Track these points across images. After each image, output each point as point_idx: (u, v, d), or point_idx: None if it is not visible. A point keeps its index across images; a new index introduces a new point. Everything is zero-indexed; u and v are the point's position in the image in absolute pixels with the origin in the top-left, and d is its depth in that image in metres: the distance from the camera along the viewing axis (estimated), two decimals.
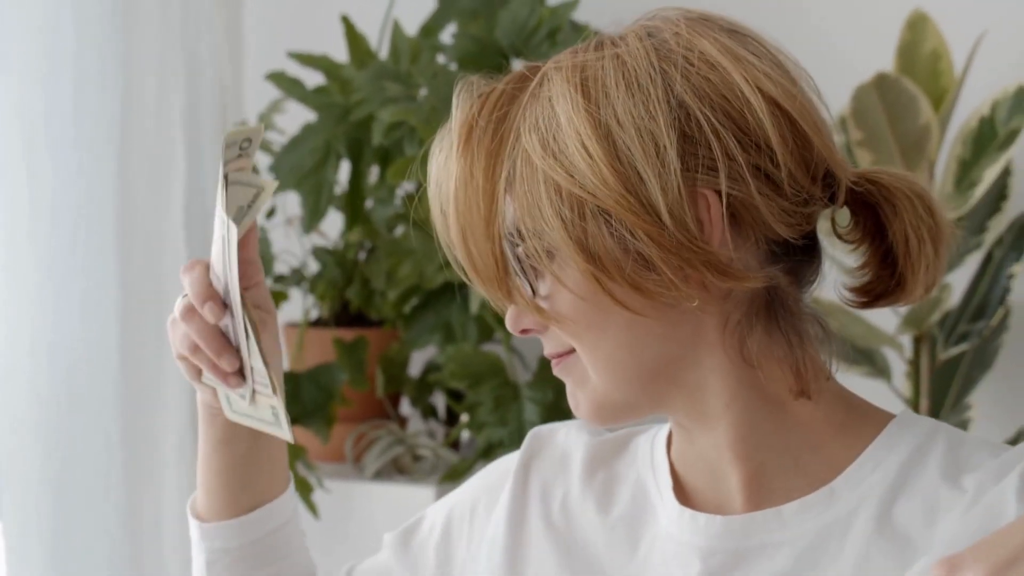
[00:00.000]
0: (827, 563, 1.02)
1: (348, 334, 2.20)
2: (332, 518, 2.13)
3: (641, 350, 1.02)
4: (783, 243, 1.02)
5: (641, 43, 1.01)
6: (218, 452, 1.16)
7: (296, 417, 2.11)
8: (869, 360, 2.05)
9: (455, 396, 2.22)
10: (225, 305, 1.07)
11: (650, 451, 1.12)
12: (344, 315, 2.27)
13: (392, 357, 2.21)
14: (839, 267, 1.08)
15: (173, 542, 2.14)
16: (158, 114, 2.11)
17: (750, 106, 0.99)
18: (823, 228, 1.05)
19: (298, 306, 2.35)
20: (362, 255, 2.25)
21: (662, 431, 1.13)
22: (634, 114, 0.98)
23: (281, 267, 2.32)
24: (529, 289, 1.02)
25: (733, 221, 0.99)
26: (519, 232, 1.01)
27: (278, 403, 1.07)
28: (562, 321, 1.01)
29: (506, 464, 1.18)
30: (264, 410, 1.09)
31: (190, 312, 1.09)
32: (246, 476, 1.17)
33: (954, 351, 2.02)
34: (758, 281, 1.00)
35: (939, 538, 1.00)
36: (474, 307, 2.08)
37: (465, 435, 2.26)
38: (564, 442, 1.16)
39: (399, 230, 2.21)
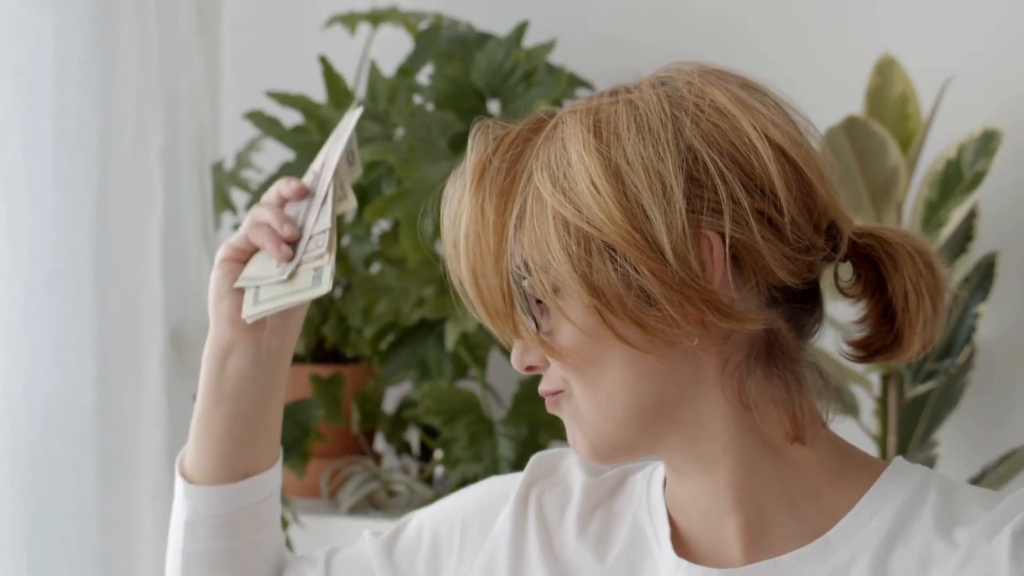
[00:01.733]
0: None
1: (324, 370, 2.22)
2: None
3: (640, 388, 1.04)
4: (784, 289, 1.03)
5: (654, 90, 1.03)
6: (220, 408, 1.17)
7: None
8: (838, 397, 2.07)
9: (430, 432, 2.23)
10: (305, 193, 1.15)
11: (647, 491, 1.13)
12: (320, 352, 2.29)
13: (367, 394, 2.23)
14: (833, 324, 1.09)
15: None
16: (136, 154, 2.11)
17: (757, 152, 1.01)
18: (825, 282, 1.07)
19: None
20: (338, 292, 2.27)
21: (659, 469, 1.13)
22: (643, 155, 1.01)
23: None
24: (533, 324, 1.04)
25: (735, 263, 1.01)
26: (526, 266, 1.03)
27: (330, 258, 1.12)
28: (564, 356, 1.03)
29: (505, 487, 1.19)
30: (304, 278, 1.13)
31: (265, 201, 1.16)
32: (242, 439, 1.18)
33: (921, 389, 2.04)
34: (757, 323, 1.02)
35: None
36: (450, 344, 2.09)
37: (439, 471, 2.27)
38: (566, 475, 1.17)
39: (375, 267, 2.23)
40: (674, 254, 0.99)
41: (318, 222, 1.15)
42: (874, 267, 1.07)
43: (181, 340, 2.12)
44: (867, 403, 2.09)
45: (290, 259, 1.13)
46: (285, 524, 2.08)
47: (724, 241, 1.00)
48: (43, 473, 1.98)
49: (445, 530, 1.18)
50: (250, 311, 1.15)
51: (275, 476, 1.21)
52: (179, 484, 1.20)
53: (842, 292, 1.08)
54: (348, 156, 1.17)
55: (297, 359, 2.28)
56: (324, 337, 2.27)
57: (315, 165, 1.19)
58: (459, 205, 1.06)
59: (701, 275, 1.00)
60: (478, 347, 2.12)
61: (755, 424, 1.05)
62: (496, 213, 1.03)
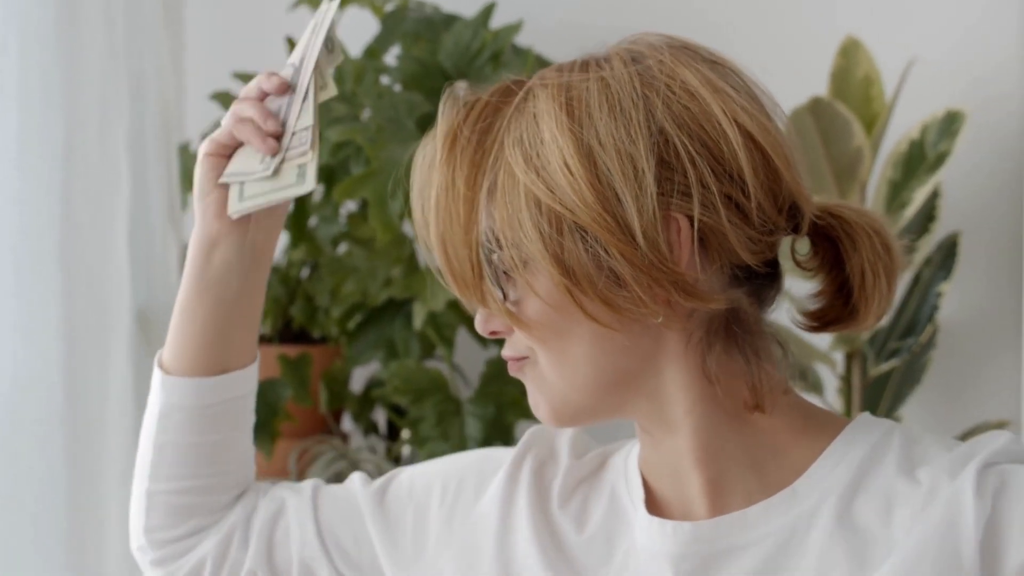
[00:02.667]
0: (792, 561, 1.05)
1: (292, 350, 2.22)
2: None
3: (604, 362, 1.06)
4: (746, 268, 1.05)
5: (626, 68, 1.04)
6: (203, 298, 1.18)
7: None
8: (802, 376, 2.09)
9: (397, 412, 2.24)
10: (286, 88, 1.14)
11: (624, 465, 1.15)
12: (287, 332, 2.29)
13: (335, 373, 2.24)
14: (788, 296, 1.11)
15: (115, 568, 2.13)
16: (102, 136, 2.10)
17: (727, 138, 1.02)
18: (782, 253, 1.09)
19: None
20: (305, 272, 2.27)
21: (636, 447, 1.15)
22: (615, 136, 1.02)
23: None
24: (501, 294, 1.05)
25: (701, 246, 1.03)
26: (497, 240, 1.04)
27: (313, 156, 1.12)
28: (530, 327, 1.05)
29: (499, 456, 1.21)
30: (288, 175, 1.13)
31: (247, 95, 1.15)
32: (223, 331, 1.18)
33: (884, 367, 2.06)
34: (721, 303, 1.04)
35: (899, 536, 1.03)
36: (417, 323, 2.10)
37: (406, 450, 2.28)
38: (557, 452, 1.18)
39: (342, 248, 2.23)
40: (644, 237, 1.01)
41: (300, 118, 1.14)
42: (832, 245, 1.09)
43: (148, 321, 2.12)
44: (831, 381, 2.11)
45: (275, 153, 1.13)
46: None
47: (692, 225, 1.02)
48: (11, 453, 1.97)
49: (438, 488, 1.20)
50: (236, 207, 1.15)
51: (251, 377, 1.21)
52: (156, 376, 1.20)
53: (799, 265, 1.10)
54: (327, 44, 1.16)
55: (265, 339, 2.28)
56: (292, 317, 2.28)
57: (294, 58, 1.18)
58: (429, 172, 1.07)
59: (669, 257, 1.02)
60: (445, 327, 2.13)
61: (716, 394, 1.07)
62: (467, 185, 1.04)
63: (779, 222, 1.05)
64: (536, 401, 1.10)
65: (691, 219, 1.02)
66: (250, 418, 1.22)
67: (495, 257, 1.05)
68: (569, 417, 1.09)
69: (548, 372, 1.07)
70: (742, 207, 1.03)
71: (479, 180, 1.05)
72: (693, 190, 1.02)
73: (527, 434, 1.20)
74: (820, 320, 1.11)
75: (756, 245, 1.05)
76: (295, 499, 1.22)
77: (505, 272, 1.05)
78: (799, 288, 1.13)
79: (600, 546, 1.13)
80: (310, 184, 1.12)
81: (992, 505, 1.01)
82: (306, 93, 1.14)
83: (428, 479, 1.21)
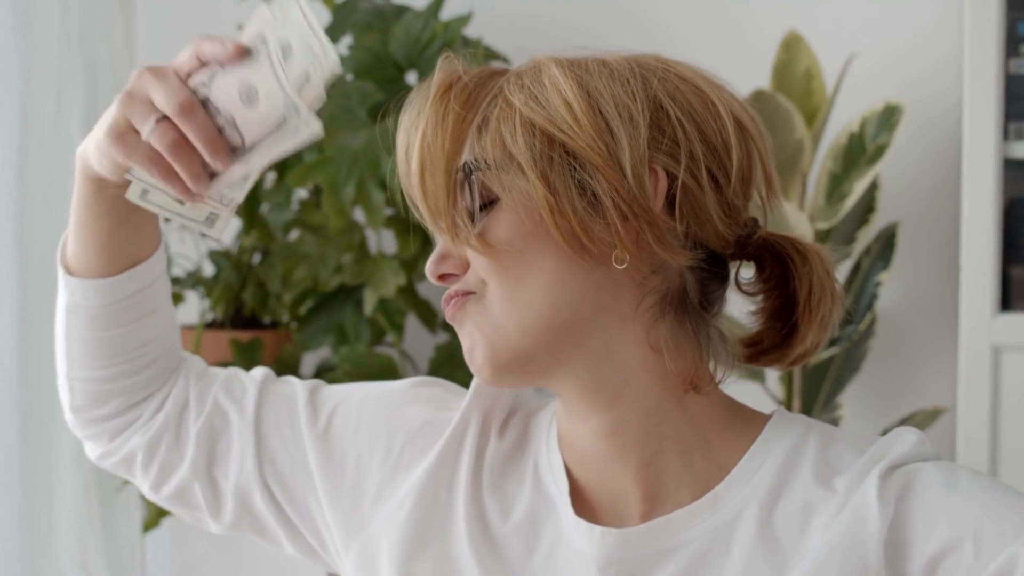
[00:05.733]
0: (716, 567, 1.07)
1: (244, 335, 2.24)
2: None
3: (559, 299, 1.05)
4: (706, 250, 1.07)
5: (623, 57, 1.08)
6: (98, 220, 1.12)
7: None
8: (735, 363, 2.12)
9: None
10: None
11: (546, 440, 1.14)
12: (238, 318, 2.31)
13: (286, 358, 2.26)
14: (726, 319, 1.13)
15: (68, 542, 2.15)
16: (56, 119, 2.11)
17: (718, 116, 1.06)
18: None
19: (194, 308, 2.39)
20: (257, 258, 2.29)
21: (555, 422, 1.14)
22: (613, 91, 1.05)
23: (177, 270, 2.35)
24: (470, 218, 1.04)
25: (671, 206, 1.05)
26: (484, 162, 1.04)
27: (231, 213, 1.06)
28: (496, 250, 1.04)
29: (445, 419, 1.18)
30: (199, 210, 1.05)
31: (191, 107, 1.02)
32: (122, 237, 1.13)
33: (824, 354, 2.10)
34: (681, 260, 1.05)
35: (812, 544, 1.05)
36: (368, 309, 2.13)
37: None
38: (492, 413, 1.17)
39: (294, 234, 2.26)
40: (632, 171, 1.03)
41: (237, 187, 1.05)
42: (780, 263, 1.10)
43: None
44: (772, 369, 2.15)
45: (195, 202, 1.05)
46: None
47: (669, 182, 1.04)
48: None
49: (382, 445, 1.17)
50: (135, 199, 1.07)
51: (155, 264, 1.16)
52: (60, 273, 1.16)
53: (740, 289, 1.12)
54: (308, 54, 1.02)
55: (217, 324, 2.31)
56: (243, 303, 2.30)
57: (272, 45, 1.03)
58: (417, 116, 1.07)
59: (651, 197, 1.04)
60: (396, 313, 2.15)
61: (658, 365, 1.07)
62: (456, 120, 1.05)
63: (744, 215, 1.08)
64: (472, 346, 1.07)
65: (670, 176, 1.04)
66: (161, 300, 1.17)
67: (474, 178, 1.05)
68: (504, 364, 1.06)
69: (497, 307, 1.06)
70: (719, 182, 1.06)
71: (469, 118, 1.05)
72: (681, 152, 1.04)
73: (471, 392, 1.17)
74: (756, 346, 1.12)
75: (727, 219, 1.07)
76: (238, 419, 1.19)
77: (481, 195, 1.05)
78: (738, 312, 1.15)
79: (525, 535, 1.12)
80: (217, 234, 1.06)
81: (895, 507, 1.04)
82: (282, 124, 1.02)
83: (373, 427, 1.18)
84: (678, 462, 1.09)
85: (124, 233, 1.13)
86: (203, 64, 1.04)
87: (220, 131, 1.03)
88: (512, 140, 1.04)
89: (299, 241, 2.19)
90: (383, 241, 2.26)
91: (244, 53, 1.04)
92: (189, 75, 1.04)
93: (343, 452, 1.18)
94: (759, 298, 1.11)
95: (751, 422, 1.11)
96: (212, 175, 1.04)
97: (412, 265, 2.14)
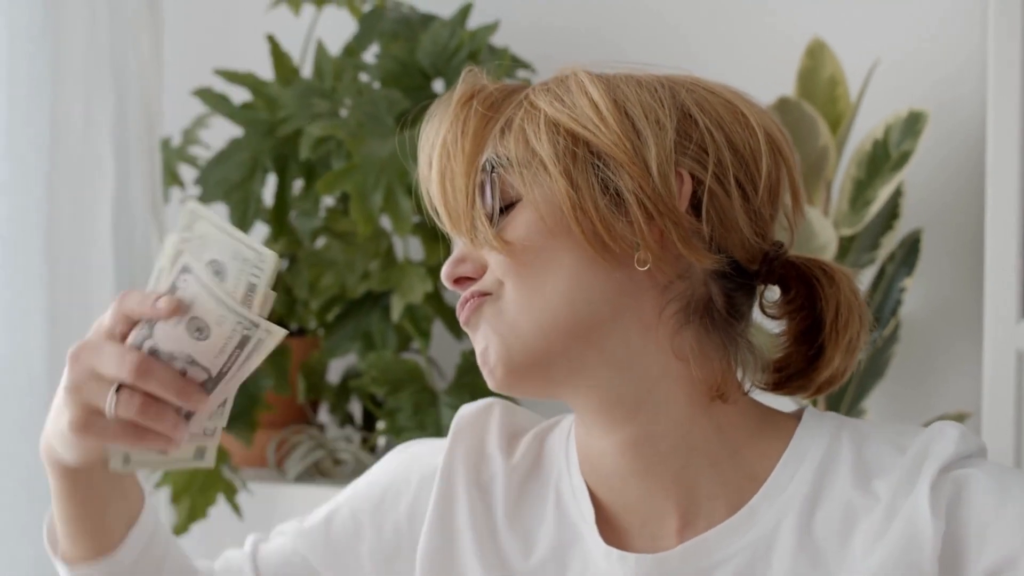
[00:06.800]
0: None
1: None
2: (256, 519, 2.18)
3: (578, 300, 1.02)
4: (732, 262, 1.06)
5: (652, 74, 1.08)
6: (86, 506, 1.07)
7: None
8: (764, 369, 2.13)
9: (374, 402, 2.28)
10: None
11: (565, 459, 1.11)
12: None
13: (313, 365, 2.27)
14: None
15: None
16: (86, 127, 2.12)
17: (748, 125, 1.05)
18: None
19: None
20: (285, 265, 2.30)
21: (573, 437, 1.11)
22: (641, 97, 1.04)
23: None
24: (488, 219, 1.03)
25: (697, 210, 1.04)
26: (506, 158, 1.03)
27: (217, 439, 1.01)
28: (514, 251, 1.02)
29: (422, 468, 1.15)
30: (185, 450, 1.00)
31: (145, 365, 0.96)
32: (104, 510, 1.08)
33: None
34: (706, 262, 1.03)
35: (856, 552, 1.02)
36: (395, 316, 2.14)
37: (382, 440, 2.32)
38: (490, 457, 1.13)
39: (321, 241, 2.27)
40: (657, 169, 1.02)
41: (225, 386, 0.97)
42: (806, 284, 1.09)
43: None
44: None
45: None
46: (234, 490, 2.12)
47: (695, 185, 1.03)
48: None
49: (367, 525, 1.15)
50: (119, 468, 1.00)
51: (147, 522, 1.11)
52: (59, 566, 1.11)
53: (764, 312, 1.10)
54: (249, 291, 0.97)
55: None
56: (271, 310, 2.31)
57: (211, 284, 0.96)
58: (439, 125, 1.06)
59: (676, 196, 1.02)
60: (422, 319, 2.16)
61: (683, 374, 1.04)
62: (479, 122, 1.05)
63: (772, 228, 1.07)
64: (487, 347, 1.04)
65: (696, 181, 1.03)
66: (162, 548, 1.13)
67: (495, 176, 1.04)
68: (519, 366, 1.03)
69: (514, 308, 1.03)
70: (746, 191, 1.05)
71: (491, 124, 1.05)
72: (709, 158, 1.03)
73: (451, 432, 1.13)
74: (782, 371, 1.10)
75: (755, 227, 1.06)
76: None
77: (502, 196, 1.03)
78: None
79: (551, 573, 1.08)
80: (208, 464, 1.00)
81: (947, 519, 1.01)
82: (240, 352, 0.96)
83: (355, 512, 1.15)
84: (708, 473, 1.06)
85: (117, 506, 1.09)
86: (134, 322, 0.98)
87: (183, 373, 0.96)
88: (536, 138, 1.03)
89: (326, 248, 2.20)
90: (410, 248, 2.27)
91: (176, 310, 0.96)
92: (124, 336, 0.98)
93: (354, 546, 1.17)
94: (783, 321, 1.09)
95: (781, 427, 1.08)
96: (188, 415, 0.98)
97: (439, 272, 2.15)
